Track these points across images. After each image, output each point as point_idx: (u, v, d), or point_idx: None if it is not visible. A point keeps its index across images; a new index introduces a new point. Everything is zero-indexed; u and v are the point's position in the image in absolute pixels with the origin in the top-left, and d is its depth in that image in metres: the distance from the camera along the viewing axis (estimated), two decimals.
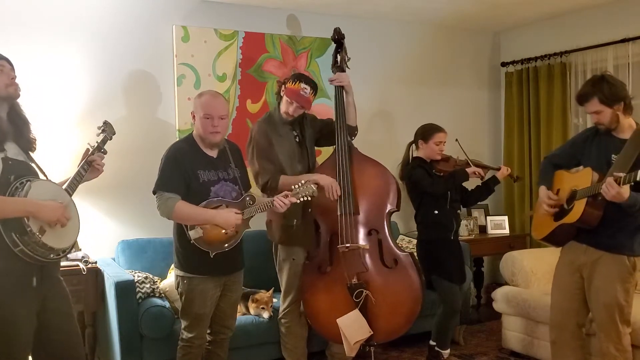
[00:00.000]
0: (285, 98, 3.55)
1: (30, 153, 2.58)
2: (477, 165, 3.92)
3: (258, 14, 4.68)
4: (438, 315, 3.91)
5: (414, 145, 4.01)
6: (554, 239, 3.25)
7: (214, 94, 3.19)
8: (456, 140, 3.92)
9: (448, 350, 3.95)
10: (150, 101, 4.37)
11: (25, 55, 3.92)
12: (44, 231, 2.37)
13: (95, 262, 3.86)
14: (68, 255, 3.73)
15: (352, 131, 3.72)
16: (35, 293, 2.45)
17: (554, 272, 3.34)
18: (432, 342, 3.94)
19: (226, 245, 3.06)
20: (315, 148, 3.82)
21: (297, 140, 3.62)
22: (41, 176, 2.55)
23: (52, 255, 2.42)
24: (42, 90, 3.96)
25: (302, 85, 3.52)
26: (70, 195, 2.58)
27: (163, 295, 3.78)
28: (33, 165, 2.56)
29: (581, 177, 3.10)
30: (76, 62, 4.13)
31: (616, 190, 2.79)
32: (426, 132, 3.91)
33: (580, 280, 3.16)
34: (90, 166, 2.72)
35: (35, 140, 2.60)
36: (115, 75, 4.24)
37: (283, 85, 3.61)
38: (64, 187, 2.59)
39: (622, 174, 2.78)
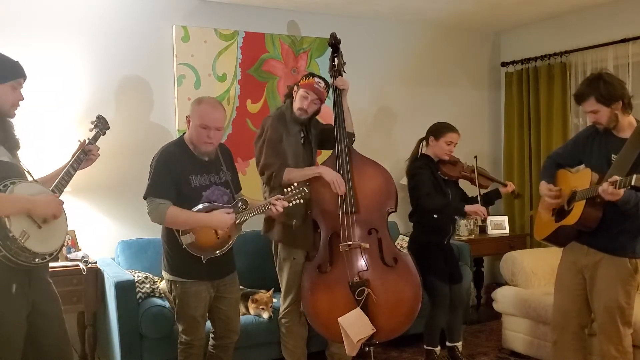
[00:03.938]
0: (300, 93, 3.57)
1: (17, 152, 2.52)
2: (484, 176, 3.90)
3: (258, 14, 4.68)
4: (428, 313, 3.90)
5: (424, 142, 3.99)
6: (555, 239, 3.24)
7: (214, 105, 3.11)
8: (474, 157, 3.90)
9: (438, 347, 3.94)
10: (150, 101, 4.37)
11: (25, 55, 3.89)
12: (27, 236, 2.32)
13: (95, 262, 3.86)
14: (68, 255, 3.80)
15: (350, 137, 3.73)
16: (23, 296, 2.41)
17: (557, 273, 3.32)
18: (425, 347, 3.94)
19: (218, 251, 3.06)
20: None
21: (302, 141, 3.64)
22: (27, 177, 2.50)
23: (37, 260, 2.37)
24: (42, 90, 3.96)
25: (316, 79, 3.60)
26: (58, 196, 2.52)
27: (163, 295, 3.78)
28: (19, 165, 2.50)
29: (581, 178, 3.08)
30: (76, 62, 4.13)
31: (611, 193, 2.78)
32: (439, 130, 3.89)
33: (583, 281, 3.15)
34: (86, 156, 2.70)
35: (19, 140, 2.54)
36: (115, 75, 4.24)
37: (295, 86, 3.65)
38: (51, 188, 2.52)
39: (618, 179, 2.76)
